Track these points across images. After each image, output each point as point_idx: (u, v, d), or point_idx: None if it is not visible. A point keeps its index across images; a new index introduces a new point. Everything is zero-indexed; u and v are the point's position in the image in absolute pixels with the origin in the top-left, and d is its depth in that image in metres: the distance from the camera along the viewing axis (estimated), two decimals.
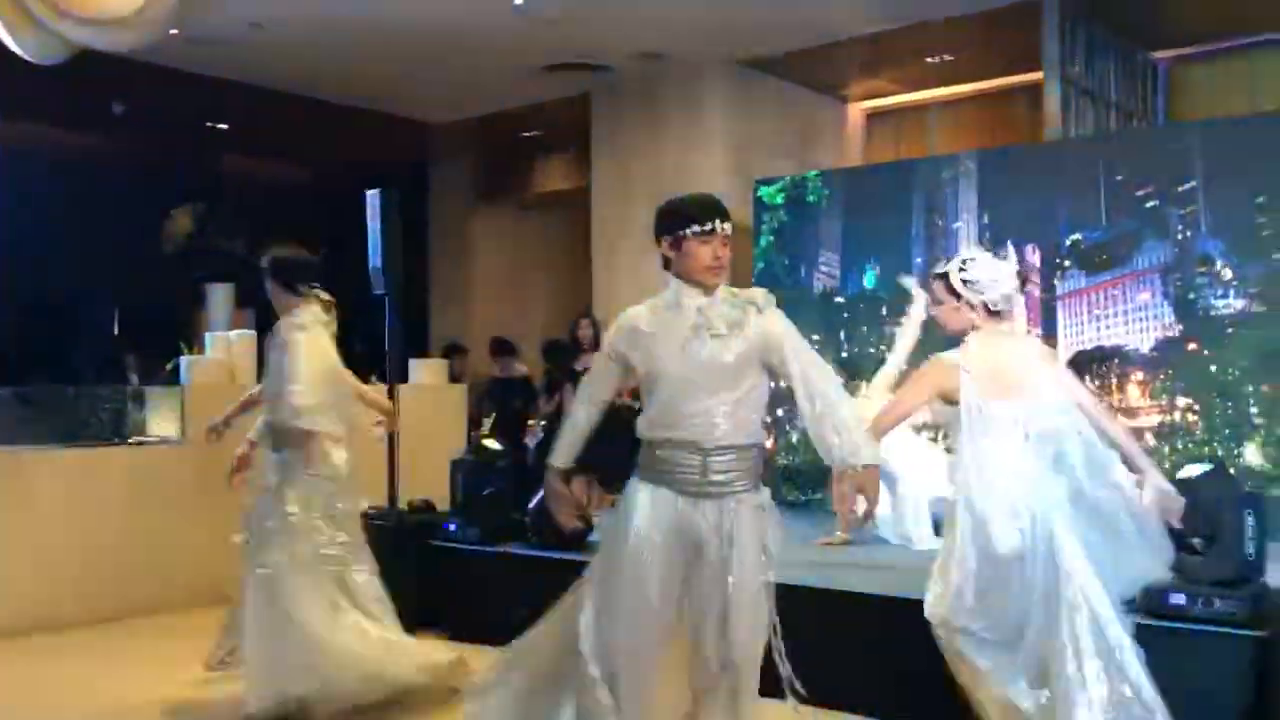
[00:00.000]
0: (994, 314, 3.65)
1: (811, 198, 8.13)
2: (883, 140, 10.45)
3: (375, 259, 6.18)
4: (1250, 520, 3.92)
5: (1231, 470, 5.61)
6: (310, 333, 4.48)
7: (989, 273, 3.65)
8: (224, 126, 10.35)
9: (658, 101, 9.72)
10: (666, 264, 3.25)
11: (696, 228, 3.16)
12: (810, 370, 3.14)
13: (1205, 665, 3.82)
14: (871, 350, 7.38)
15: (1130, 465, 3.55)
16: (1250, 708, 3.74)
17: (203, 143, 10.35)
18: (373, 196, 6.23)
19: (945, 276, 3.71)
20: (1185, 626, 3.88)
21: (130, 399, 7.17)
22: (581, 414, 3.39)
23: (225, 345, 7.26)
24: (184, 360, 7.18)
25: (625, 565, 3.16)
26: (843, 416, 3.10)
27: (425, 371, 8.51)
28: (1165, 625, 3.90)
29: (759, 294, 3.23)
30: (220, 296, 9.26)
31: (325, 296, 4.64)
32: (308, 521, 4.38)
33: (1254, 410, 6.25)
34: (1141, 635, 3.90)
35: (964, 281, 3.65)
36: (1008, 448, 3.49)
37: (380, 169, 8.83)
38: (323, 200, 9.83)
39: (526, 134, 11.42)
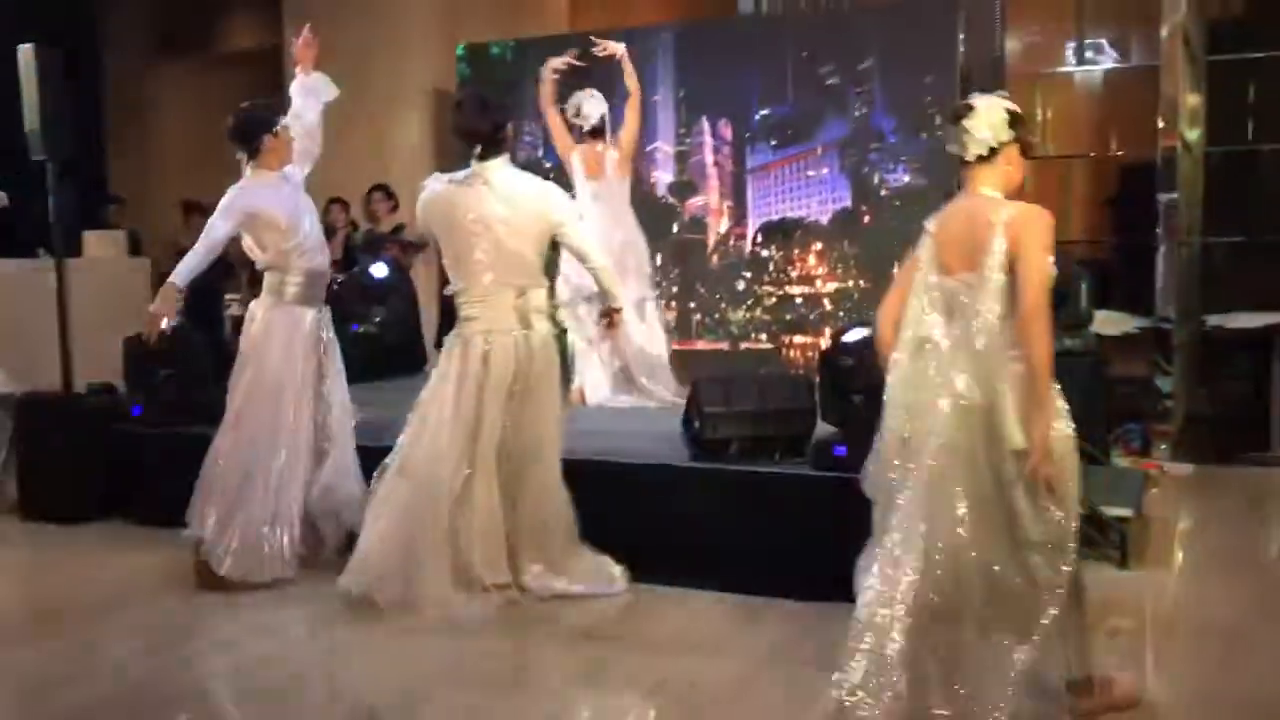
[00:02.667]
0: None
1: (499, 68, 7.94)
2: (588, 11, 10.40)
3: (32, 121, 5.63)
4: None
5: None
6: None
7: None
8: None
9: None
10: None
11: None
12: None
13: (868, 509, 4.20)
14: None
15: None
16: None
17: None
18: (25, 52, 5.65)
19: None
20: (850, 476, 4.24)
21: None
22: None
23: None
24: None
25: None
26: None
27: (100, 244, 7.86)
28: (831, 476, 4.27)
29: None
30: None
31: None
32: None
33: None
34: (813, 485, 4.29)
35: None
36: None
37: (41, 15, 7.94)
38: None
39: None
